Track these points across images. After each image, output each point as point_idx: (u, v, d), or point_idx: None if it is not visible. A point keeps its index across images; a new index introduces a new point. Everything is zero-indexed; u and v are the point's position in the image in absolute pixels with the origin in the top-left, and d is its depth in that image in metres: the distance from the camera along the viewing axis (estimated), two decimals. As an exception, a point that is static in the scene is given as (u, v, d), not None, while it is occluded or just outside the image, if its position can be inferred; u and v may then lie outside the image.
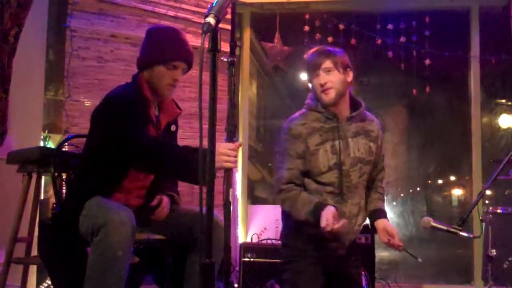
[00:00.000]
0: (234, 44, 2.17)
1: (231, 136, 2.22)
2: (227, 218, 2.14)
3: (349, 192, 2.91)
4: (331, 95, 2.87)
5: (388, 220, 2.97)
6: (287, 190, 2.86)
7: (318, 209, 2.74)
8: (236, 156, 2.38)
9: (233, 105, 2.15)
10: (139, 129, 2.61)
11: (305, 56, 3.02)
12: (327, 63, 2.88)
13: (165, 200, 2.83)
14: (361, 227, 3.00)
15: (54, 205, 3.23)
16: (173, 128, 2.92)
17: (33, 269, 3.99)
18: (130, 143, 2.56)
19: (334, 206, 2.77)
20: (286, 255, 3.00)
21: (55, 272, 2.64)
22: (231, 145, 2.36)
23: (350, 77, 2.96)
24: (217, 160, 2.15)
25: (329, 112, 2.92)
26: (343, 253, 2.95)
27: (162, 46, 2.79)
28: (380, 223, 2.94)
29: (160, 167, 2.57)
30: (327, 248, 2.92)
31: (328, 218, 2.66)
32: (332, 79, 2.87)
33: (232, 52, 2.17)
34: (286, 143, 2.91)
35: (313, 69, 2.90)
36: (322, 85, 2.87)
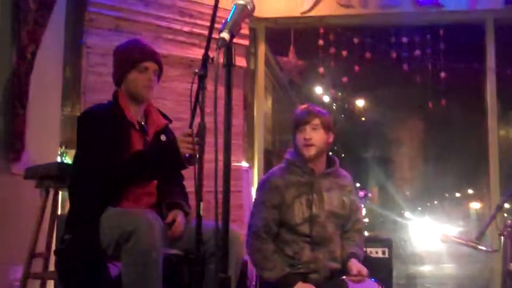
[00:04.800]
0: (207, 56, 2.17)
1: (201, 150, 2.24)
2: (198, 232, 2.17)
3: (323, 242, 3.05)
4: (312, 151, 3.06)
5: (358, 260, 3.07)
6: (262, 242, 3.02)
7: (289, 281, 2.92)
8: (192, 142, 2.53)
9: (203, 119, 2.18)
10: (104, 148, 2.68)
11: (295, 111, 3.23)
12: (316, 121, 3.08)
13: (180, 216, 2.84)
14: (334, 270, 3.09)
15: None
16: (162, 138, 2.96)
17: (50, 284, 4.00)
18: (92, 164, 2.69)
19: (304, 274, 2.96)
20: None
21: (72, 283, 2.65)
22: (186, 132, 2.55)
23: (331, 138, 3.16)
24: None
25: (306, 167, 3.10)
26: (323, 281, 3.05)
27: (130, 53, 2.93)
28: (349, 263, 3.06)
29: (128, 179, 2.70)
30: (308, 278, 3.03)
31: None
32: (316, 137, 3.06)
33: (203, 65, 2.18)
34: (264, 194, 3.09)
35: (301, 124, 3.09)
36: (305, 139, 3.05)
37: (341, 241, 3.20)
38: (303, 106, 3.21)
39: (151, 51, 2.98)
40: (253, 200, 3.22)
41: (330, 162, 3.21)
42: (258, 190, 3.18)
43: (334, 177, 3.19)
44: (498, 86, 5.45)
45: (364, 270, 2.99)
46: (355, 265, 3.01)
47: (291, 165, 3.14)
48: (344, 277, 2.97)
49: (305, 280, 3.00)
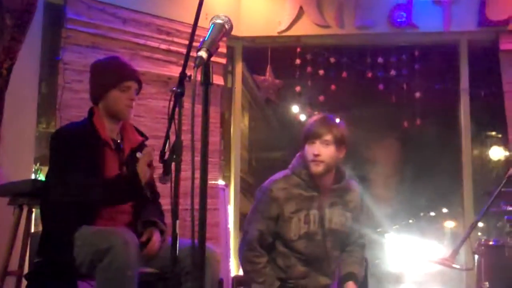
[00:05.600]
0: (184, 74, 2.18)
1: (178, 167, 2.23)
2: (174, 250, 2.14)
3: (317, 259, 2.98)
4: (320, 168, 2.91)
5: (356, 283, 2.99)
6: (255, 254, 2.93)
7: None
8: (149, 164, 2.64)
9: (180, 137, 2.17)
10: (74, 169, 2.67)
11: (309, 120, 3.02)
12: (328, 136, 2.90)
13: (156, 234, 2.82)
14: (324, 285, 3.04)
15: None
16: (138, 155, 2.94)
17: (22, 303, 3.95)
18: (61, 181, 2.68)
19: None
20: None
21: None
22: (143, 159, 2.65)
23: (342, 153, 2.99)
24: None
25: (311, 182, 2.95)
26: None
27: (112, 72, 2.91)
28: (346, 286, 2.98)
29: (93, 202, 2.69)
30: None
31: None
32: (327, 153, 2.90)
33: (180, 83, 2.18)
34: (262, 204, 2.97)
35: (312, 137, 2.91)
36: (315, 155, 2.89)
37: (341, 254, 3.11)
38: (318, 117, 3.03)
39: (132, 69, 2.98)
40: (252, 206, 3.07)
41: (338, 176, 3.05)
42: (258, 197, 3.03)
43: (339, 192, 3.05)
44: (471, 107, 5.52)
45: None
46: None
47: (295, 176, 2.99)
48: None
49: None
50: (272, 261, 2.99)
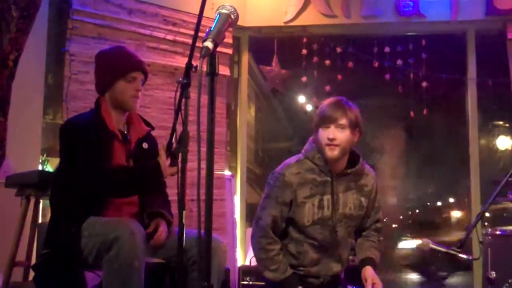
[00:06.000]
0: (190, 65, 2.18)
1: (184, 157, 2.23)
2: (180, 240, 2.14)
3: (330, 246, 2.94)
4: (336, 152, 2.83)
5: (374, 268, 2.96)
6: (268, 241, 2.89)
7: (290, 284, 2.86)
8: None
9: (186, 127, 2.17)
10: (85, 159, 2.67)
11: (323, 104, 2.94)
12: (343, 120, 2.82)
13: (162, 225, 2.83)
14: (335, 274, 3.03)
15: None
16: (145, 145, 2.95)
17: (30, 293, 3.97)
18: (73, 176, 2.67)
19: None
20: None
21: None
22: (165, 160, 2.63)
23: (357, 137, 2.92)
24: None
25: (325, 166, 2.90)
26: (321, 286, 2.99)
27: (118, 62, 2.90)
28: (364, 271, 2.95)
29: (107, 192, 2.70)
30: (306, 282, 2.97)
31: None
32: (342, 137, 2.82)
33: (187, 74, 2.18)
34: (276, 189, 2.91)
35: (326, 121, 2.84)
36: (330, 140, 2.82)
37: (358, 240, 3.09)
38: (332, 101, 2.94)
39: (138, 60, 2.97)
40: (265, 191, 3.00)
41: (352, 160, 3.00)
42: (271, 182, 2.97)
43: (354, 176, 2.98)
44: (479, 96, 5.50)
45: (379, 283, 2.88)
46: (370, 276, 2.90)
47: (309, 160, 2.93)
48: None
49: (304, 283, 2.93)
50: (284, 247, 2.95)
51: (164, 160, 2.63)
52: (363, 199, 2.99)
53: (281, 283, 2.86)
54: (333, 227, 2.91)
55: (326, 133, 2.82)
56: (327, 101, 2.93)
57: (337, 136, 2.81)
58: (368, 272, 2.92)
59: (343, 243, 2.98)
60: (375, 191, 3.07)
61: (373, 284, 2.86)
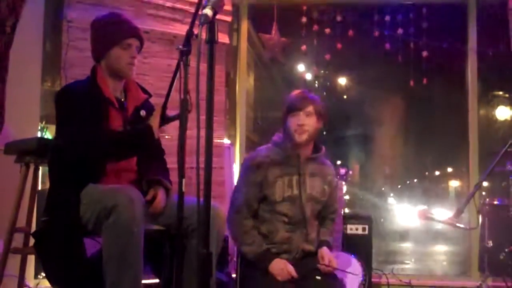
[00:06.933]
0: (191, 32, 2.16)
1: (183, 126, 2.23)
2: (180, 208, 2.17)
3: (299, 224, 3.14)
4: (304, 136, 3.10)
5: (328, 249, 3.18)
6: (243, 216, 3.09)
7: (267, 257, 3.01)
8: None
9: (186, 93, 2.17)
10: (79, 127, 2.67)
11: (289, 96, 3.23)
12: (310, 108, 3.12)
13: (161, 192, 2.84)
14: (307, 251, 3.18)
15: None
16: (142, 113, 2.96)
17: (31, 259, 4.00)
18: (69, 138, 2.68)
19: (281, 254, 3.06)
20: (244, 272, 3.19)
21: (50, 263, 2.65)
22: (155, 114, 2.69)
23: (321, 125, 3.20)
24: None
25: (292, 151, 3.15)
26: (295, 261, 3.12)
27: (113, 29, 2.89)
28: (320, 251, 3.16)
29: (106, 155, 2.72)
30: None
31: (282, 273, 2.96)
32: (310, 123, 3.11)
33: (187, 41, 2.16)
34: (248, 171, 3.15)
35: (295, 109, 3.12)
36: (299, 125, 3.09)
37: (318, 226, 3.30)
38: (298, 92, 3.24)
39: (134, 27, 2.95)
40: (238, 175, 3.27)
41: (316, 148, 3.26)
42: (243, 166, 3.24)
43: (318, 164, 3.25)
44: (479, 66, 5.48)
45: (334, 261, 3.08)
46: (326, 255, 3.10)
47: (277, 147, 3.19)
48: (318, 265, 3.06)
49: (274, 256, 3.06)
50: (256, 229, 3.12)
51: (156, 123, 2.67)
52: (326, 187, 3.26)
53: (258, 257, 3.02)
54: (301, 205, 3.12)
55: (296, 120, 3.10)
56: (293, 93, 3.24)
57: (305, 122, 3.10)
58: (324, 250, 3.15)
59: (310, 222, 3.18)
60: (335, 182, 3.35)
61: (329, 261, 3.07)
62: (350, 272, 3.51)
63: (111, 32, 2.88)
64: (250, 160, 3.19)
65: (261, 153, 3.19)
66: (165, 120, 2.69)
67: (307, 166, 3.18)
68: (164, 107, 2.66)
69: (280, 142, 3.20)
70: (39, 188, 3.63)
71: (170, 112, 2.73)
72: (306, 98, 3.15)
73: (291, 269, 2.98)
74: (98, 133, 2.69)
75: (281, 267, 2.97)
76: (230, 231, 3.15)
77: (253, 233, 3.07)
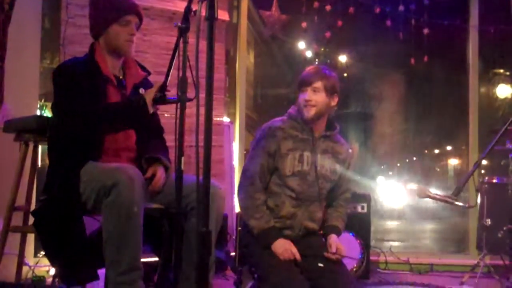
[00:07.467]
0: (189, 9, 2.14)
1: (184, 100, 2.22)
2: (179, 187, 2.16)
3: (306, 200, 3.12)
4: (311, 112, 3.08)
5: (338, 235, 3.17)
6: (256, 189, 3.06)
7: (272, 235, 2.98)
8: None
9: (184, 73, 2.16)
10: (76, 101, 2.66)
11: (303, 71, 3.20)
12: (318, 84, 3.08)
13: (160, 170, 2.84)
14: (310, 229, 3.16)
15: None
16: (141, 91, 2.93)
17: (30, 237, 4.01)
18: (66, 113, 2.67)
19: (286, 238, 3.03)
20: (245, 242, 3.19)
21: (49, 242, 2.66)
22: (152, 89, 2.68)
23: (334, 102, 3.16)
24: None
25: (306, 126, 3.13)
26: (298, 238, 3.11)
27: (111, 6, 2.86)
28: (329, 238, 3.14)
29: (104, 127, 2.71)
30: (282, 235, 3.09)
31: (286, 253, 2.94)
32: (317, 98, 3.08)
33: (185, 18, 2.14)
34: (262, 141, 3.12)
35: (303, 85, 3.11)
36: (306, 101, 3.08)
37: (328, 208, 3.28)
38: (311, 67, 3.21)
39: (133, 3, 2.91)
40: (252, 145, 3.21)
41: (330, 126, 3.24)
42: (257, 135, 3.19)
43: (331, 142, 3.22)
44: (480, 44, 5.46)
45: (342, 249, 3.06)
46: (334, 242, 3.08)
47: (292, 120, 3.17)
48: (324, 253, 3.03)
49: (280, 235, 3.05)
50: (265, 204, 3.10)
51: (150, 97, 2.65)
52: (338, 166, 3.23)
53: (263, 233, 2.99)
54: (311, 182, 3.10)
55: (303, 95, 3.10)
56: (307, 68, 3.20)
57: (312, 97, 3.07)
58: (333, 238, 3.12)
59: (317, 201, 3.16)
60: (348, 163, 3.31)
61: (336, 249, 3.04)
62: (354, 258, 3.50)
63: (110, 9, 2.85)
64: (265, 130, 3.15)
65: (276, 124, 3.15)
66: (165, 101, 2.68)
67: (320, 143, 3.16)
68: (164, 85, 2.65)
69: (295, 115, 3.17)
70: (39, 166, 3.63)
71: (173, 94, 2.71)
72: (315, 74, 3.11)
73: (295, 250, 2.96)
74: (94, 106, 2.68)
75: (286, 247, 2.96)
76: (241, 202, 3.12)
77: (263, 209, 3.04)
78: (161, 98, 2.67)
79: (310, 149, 3.12)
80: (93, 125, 2.66)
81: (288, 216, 3.07)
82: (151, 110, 2.68)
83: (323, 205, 3.25)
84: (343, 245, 3.10)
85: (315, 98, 3.07)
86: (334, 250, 3.03)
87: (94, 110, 2.67)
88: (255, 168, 3.07)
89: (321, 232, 3.21)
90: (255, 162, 3.08)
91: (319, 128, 3.16)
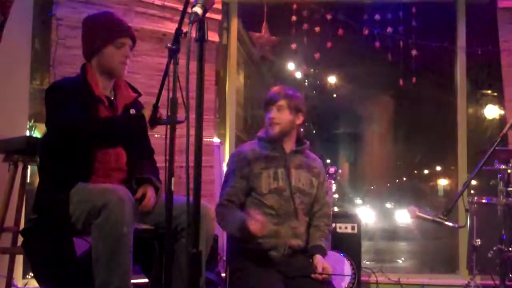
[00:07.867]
0: (180, 31, 2.16)
1: (173, 122, 2.22)
2: (169, 208, 2.16)
3: (286, 216, 3.15)
4: (276, 129, 3.20)
5: (322, 255, 3.17)
6: (224, 206, 3.13)
7: (245, 224, 2.92)
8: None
9: (175, 94, 2.17)
10: (71, 112, 2.65)
11: (268, 92, 3.33)
12: (281, 102, 3.20)
13: (151, 191, 2.83)
14: (295, 247, 3.16)
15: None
16: (132, 112, 2.94)
17: (19, 259, 3.98)
18: (60, 127, 2.64)
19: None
20: (234, 268, 3.20)
21: (38, 263, 2.64)
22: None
23: (299, 120, 3.27)
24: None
25: (276, 144, 3.23)
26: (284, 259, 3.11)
27: (107, 28, 2.88)
28: (314, 258, 3.15)
29: (98, 140, 2.69)
30: (268, 257, 3.10)
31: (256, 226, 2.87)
32: (281, 116, 3.20)
33: (176, 40, 2.17)
34: (233, 165, 3.22)
35: (268, 104, 3.24)
36: (270, 119, 3.20)
37: (310, 228, 3.28)
38: (275, 87, 3.31)
39: (127, 26, 2.94)
40: (225, 173, 3.31)
41: (300, 143, 3.32)
42: (229, 161, 3.31)
43: (303, 157, 3.30)
44: (468, 65, 5.50)
45: (329, 268, 3.07)
46: (319, 262, 3.09)
47: (261, 141, 3.27)
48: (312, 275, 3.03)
49: (264, 257, 3.06)
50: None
51: (148, 116, 2.65)
52: (313, 179, 3.29)
53: (239, 228, 2.94)
54: (288, 197, 3.15)
55: (269, 114, 3.23)
56: (272, 89, 3.32)
57: (276, 115, 3.20)
58: (318, 258, 3.13)
59: (298, 216, 3.19)
60: (323, 176, 3.38)
61: (323, 268, 3.05)
62: (342, 275, 3.51)
63: (106, 30, 2.87)
64: (234, 155, 3.27)
65: (245, 147, 3.28)
66: (157, 121, 2.68)
67: (292, 159, 3.24)
68: (156, 106, 2.65)
69: (264, 136, 3.27)
70: (28, 187, 3.61)
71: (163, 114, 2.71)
72: (279, 93, 3.24)
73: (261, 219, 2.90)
74: (87, 118, 2.68)
75: (257, 218, 2.89)
76: (218, 222, 3.09)
77: (235, 212, 3.06)
78: (155, 119, 2.67)
79: (283, 165, 3.19)
80: (91, 135, 2.64)
81: (272, 234, 3.07)
82: (149, 129, 2.68)
83: (305, 220, 3.25)
84: (334, 265, 3.10)
85: (279, 116, 3.18)
86: (320, 270, 3.03)
87: (95, 119, 2.67)
88: (227, 191, 3.16)
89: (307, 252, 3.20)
90: (227, 186, 3.18)
91: (288, 145, 3.26)
